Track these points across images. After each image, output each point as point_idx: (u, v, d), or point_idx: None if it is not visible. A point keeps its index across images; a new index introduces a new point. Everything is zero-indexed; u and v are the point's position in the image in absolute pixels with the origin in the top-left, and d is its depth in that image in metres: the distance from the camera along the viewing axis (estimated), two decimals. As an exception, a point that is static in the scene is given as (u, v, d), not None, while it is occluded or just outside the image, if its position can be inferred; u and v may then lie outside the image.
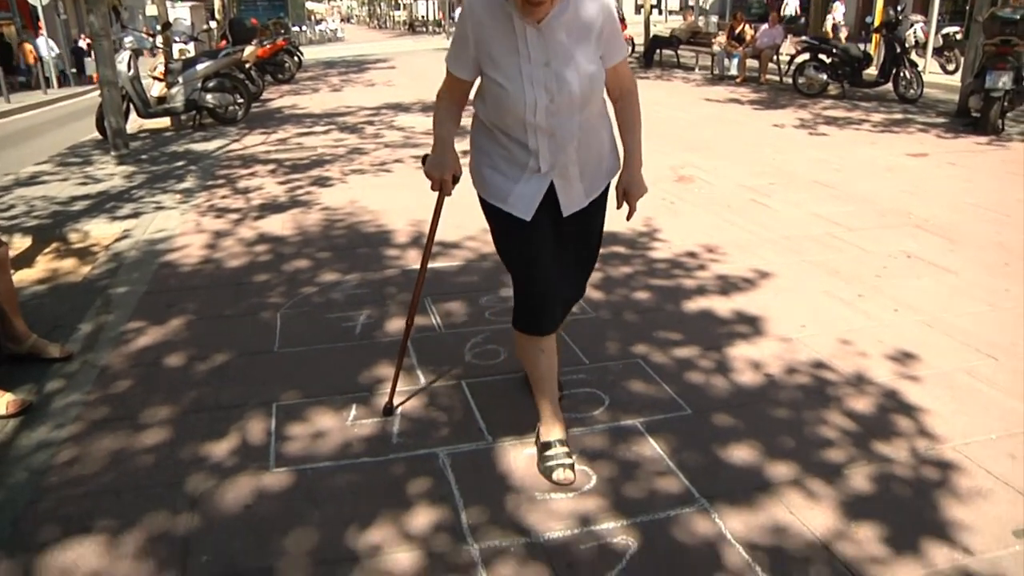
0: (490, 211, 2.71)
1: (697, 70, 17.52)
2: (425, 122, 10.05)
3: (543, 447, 2.77)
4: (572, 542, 2.39)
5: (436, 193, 2.77)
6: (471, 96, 2.73)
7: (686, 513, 2.53)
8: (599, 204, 2.78)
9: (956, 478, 2.74)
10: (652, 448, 2.88)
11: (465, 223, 5.13)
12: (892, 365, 3.54)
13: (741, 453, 2.85)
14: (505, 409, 3.13)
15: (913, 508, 2.58)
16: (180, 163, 8.17)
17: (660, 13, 35.52)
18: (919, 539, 2.44)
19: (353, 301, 4.21)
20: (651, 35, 20.25)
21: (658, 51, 19.26)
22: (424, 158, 2.77)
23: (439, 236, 5.34)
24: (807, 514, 2.53)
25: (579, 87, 2.50)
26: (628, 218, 2.86)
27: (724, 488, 2.65)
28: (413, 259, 4.89)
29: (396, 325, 3.89)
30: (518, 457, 2.81)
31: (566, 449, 2.74)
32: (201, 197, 6.58)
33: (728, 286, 4.45)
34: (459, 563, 2.29)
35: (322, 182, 7.02)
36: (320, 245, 5.19)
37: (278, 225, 5.68)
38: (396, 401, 3.12)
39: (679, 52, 18.85)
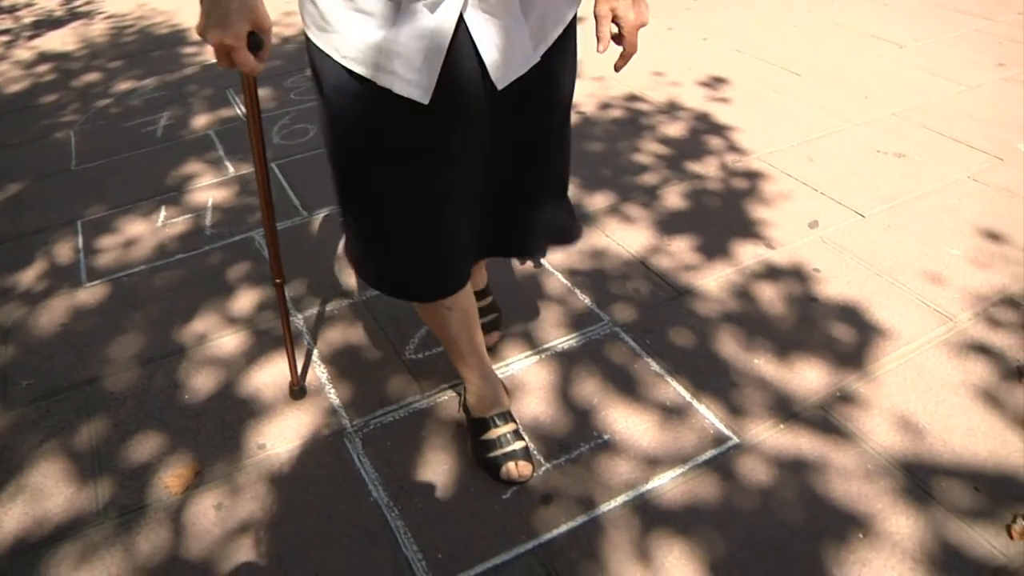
0: (335, 81, 1.34)
1: None
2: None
3: (478, 427, 1.86)
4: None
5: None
6: None
7: (507, 253, 2.58)
8: (565, 54, 1.46)
9: (761, 184, 2.88)
10: (472, 200, 2.89)
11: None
12: (702, 90, 3.61)
13: (559, 191, 2.89)
14: (318, 183, 3.05)
15: (722, 216, 2.71)
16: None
17: None
18: (728, 242, 2.57)
19: (152, 105, 3.93)
20: None
21: None
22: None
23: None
24: (623, 235, 2.62)
25: None
26: (618, 68, 1.48)
27: (544, 225, 2.70)
28: (212, 53, 4.56)
29: (200, 122, 3.67)
30: (336, 227, 2.76)
31: (513, 427, 1.85)
32: (-36, 23, 5.87)
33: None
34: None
35: (103, -11, 6.36)
36: (110, 55, 4.76)
37: (58, 41, 5.15)
38: (210, 197, 2.99)
39: None
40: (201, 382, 2.14)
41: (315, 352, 2.22)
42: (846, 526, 1.66)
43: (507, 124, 1.42)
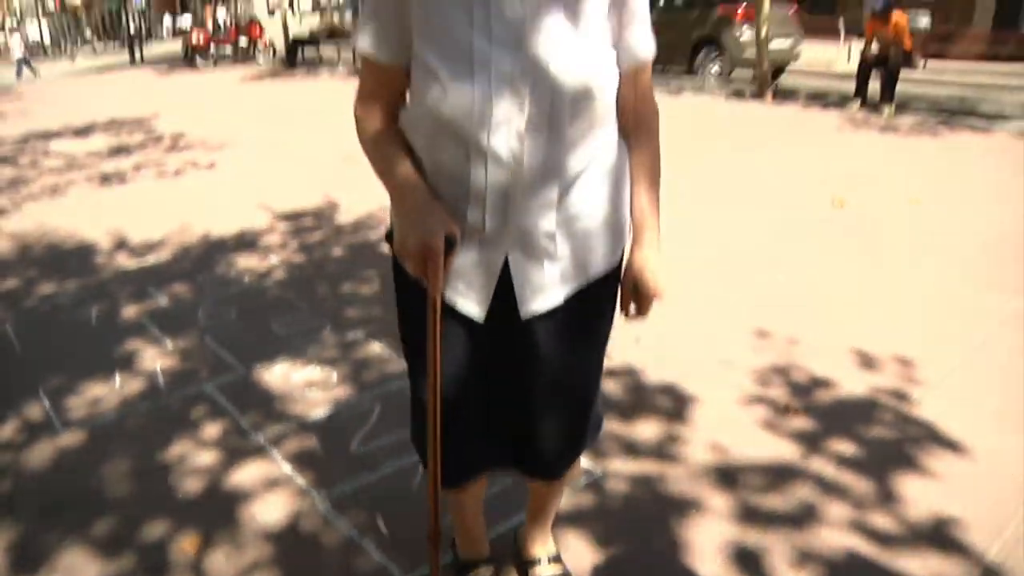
0: (405, 286, 1.68)
1: (341, 66, 18.36)
2: (83, 145, 9.83)
3: (463, 569, 2.20)
4: (331, 416, 3.21)
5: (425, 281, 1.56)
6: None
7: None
8: (599, 297, 1.68)
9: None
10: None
11: (153, 225, 5.65)
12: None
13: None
14: (251, 344, 3.84)
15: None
16: None
17: (294, 14, 35.67)
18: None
19: (79, 302, 4.52)
20: (291, 36, 20.67)
21: (300, 50, 19.93)
22: (389, 235, 1.63)
23: (142, 236, 5.56)
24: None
25: (574, 83, 1.44)
26: (625, 312, 1.73)
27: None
28: (123, 260, 5.25)
29: (129, 312, 4.34)
30: (271, 376, 3.55)
31: (491, 571, 2.20)
32: None
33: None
34: (252, 449, 3.01)
35: (-7, 214, 6.84)
36: (24, 266, 5.29)
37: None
38: (157, 364, 3.68)
39: (320, 50, 19.74)
40: (189, 485, 2.81)
41: (278, 455, 2.95)
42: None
43: (532, 349, 1.66)
